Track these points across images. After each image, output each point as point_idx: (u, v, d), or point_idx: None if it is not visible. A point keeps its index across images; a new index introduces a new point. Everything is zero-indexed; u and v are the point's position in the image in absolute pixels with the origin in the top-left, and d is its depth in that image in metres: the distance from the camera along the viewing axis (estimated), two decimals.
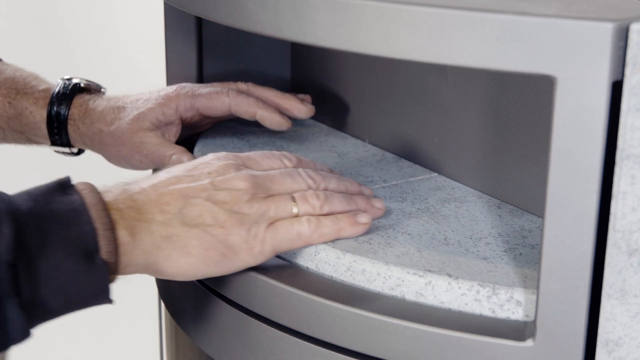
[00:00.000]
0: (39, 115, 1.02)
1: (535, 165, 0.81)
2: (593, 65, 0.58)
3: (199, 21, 1.05)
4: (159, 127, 0.98)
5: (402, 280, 0.72)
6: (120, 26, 1.85)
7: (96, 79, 1.07)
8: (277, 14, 0.70)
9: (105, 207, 0.71)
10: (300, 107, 1.00)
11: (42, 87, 1.04)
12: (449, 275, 0.71)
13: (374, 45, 0.65)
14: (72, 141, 1.03)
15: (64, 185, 0.71)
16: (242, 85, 1.00)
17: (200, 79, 1.07)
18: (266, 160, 0.81)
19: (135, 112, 0.98)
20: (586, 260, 0.61)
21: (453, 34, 0.62)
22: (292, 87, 1.13)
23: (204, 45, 1.07)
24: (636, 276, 0.61)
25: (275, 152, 0.83)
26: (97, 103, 1.01)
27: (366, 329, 0.70)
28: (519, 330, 0.67)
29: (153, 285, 0.98)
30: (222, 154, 0.80)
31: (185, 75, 1.06)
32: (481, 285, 0.70)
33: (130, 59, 1.82)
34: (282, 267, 0.77)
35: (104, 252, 0.69)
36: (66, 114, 1.01)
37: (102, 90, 1.05)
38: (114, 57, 1.87)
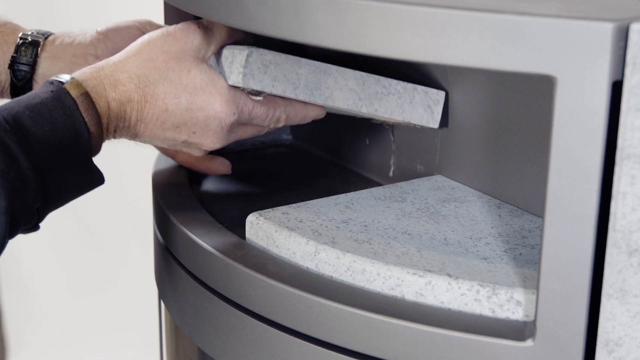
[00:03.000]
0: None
1: (535, 165, 0.81)
2: (593, 65, 0.58)
3: None
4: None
5: (402, 280, 0.72)
6: None
7: None
8: (278, 14, 0.70)
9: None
10: None
11: None
12: (449, 275, 0.71)
13: (374, 45, 0.65)
14: None
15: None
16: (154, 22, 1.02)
17: None
18: None
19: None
20: (586, 260, 0.61)
21: (453, 34, 0.62)
22: None
23: None
24: (636, 276, 0.61)
25: None
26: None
27: (366, 329, 0.70)
28: (518, 330, 0.67)
29: (153, 285, 0.98)
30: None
31: None
32: (481, 285, 0.70)
33: None
34: (282, 267, 0.77)
35: None
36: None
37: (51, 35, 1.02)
38: None
